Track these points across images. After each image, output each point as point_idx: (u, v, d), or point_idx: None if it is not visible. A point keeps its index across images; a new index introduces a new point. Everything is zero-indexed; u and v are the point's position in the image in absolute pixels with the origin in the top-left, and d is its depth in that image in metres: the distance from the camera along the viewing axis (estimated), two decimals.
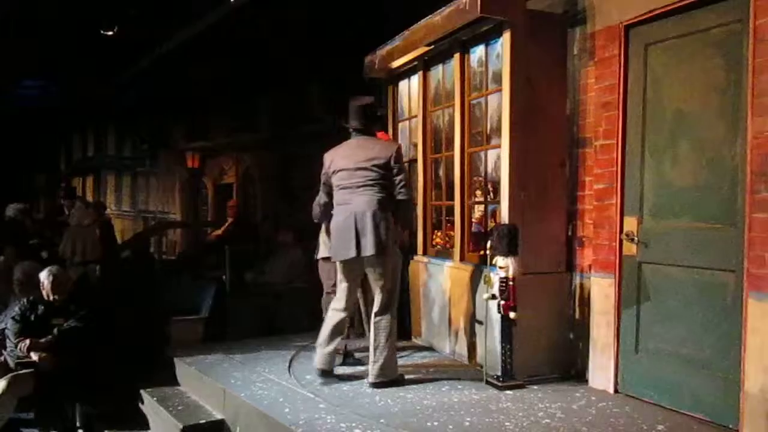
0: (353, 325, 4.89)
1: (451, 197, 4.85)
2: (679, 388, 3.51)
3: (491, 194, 4.55)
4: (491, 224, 4.42)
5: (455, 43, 4.68)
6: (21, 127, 18.58)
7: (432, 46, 4.82)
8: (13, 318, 4.76)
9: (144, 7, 8.92)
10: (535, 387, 3.97)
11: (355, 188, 4.01)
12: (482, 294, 4.11)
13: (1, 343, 4.84)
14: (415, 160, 5.30)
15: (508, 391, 3.90)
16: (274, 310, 6.55)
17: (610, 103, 3.89)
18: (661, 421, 3.39)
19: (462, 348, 4.66)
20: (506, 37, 4.07)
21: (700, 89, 3.46)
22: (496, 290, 3.90)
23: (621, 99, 3.82)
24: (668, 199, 3.63)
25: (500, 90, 4.21)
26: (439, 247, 5.13)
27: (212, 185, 14.92)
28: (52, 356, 4.62)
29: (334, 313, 4.21)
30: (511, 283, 3.86)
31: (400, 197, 4.04)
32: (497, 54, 4.35)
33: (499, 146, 4.26)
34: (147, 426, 4.69)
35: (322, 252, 4.65)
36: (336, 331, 4.17)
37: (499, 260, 3.90)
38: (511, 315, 3.87)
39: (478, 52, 4.61)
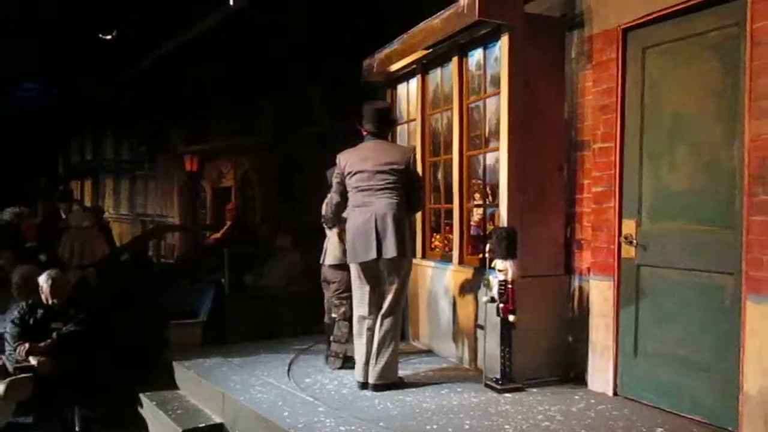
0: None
1: (449, 200, 4.86)
2: (678, 391, 3.52)
3: (490, 197, 4.56)
4: (490, 227, 4.42)
5: (454, 46, 4.69)
6: (21, 130, 18.53)
7: (430, 50, 4.82)
8: (12, 322, 4.75)
9: (143, 10, 8.91)
10: (535, 390, 3.97)
11: (374, 191, 4.01)
12: (481, 297, 4.12)
13: None
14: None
15: (507, 394, 3.90)
16: (273, 314, 6.54)
17: (608, 106, 3.89)
18: (660, 424, 3.39)
19: (461, 351, 4.66)
20: (504, 41, 4.09)
21: (697, 92, 3.47)
22: (495, 293, 3.89)
23: (619, 102, 3.83)
24: (666, 202, 3.63)
25: (499, 93, 4.22)
26: (438, 250, 5.14)
27: (211, 188, 14.89)
28: (51, 360, 4.61)
29: (361, 322, 4.08)
30: (510, 286, 3.86)
31: (417, 203, 4.20)
32: (495, 57, 4.36)
33: (497, 149, 4.27)
34: (146, 429, 4.69)
35: (332, 258, 4.60)
36: (381, 343, 4.01)
37: (498, 263, 3.90)
38: (510, 318, 3.86)
39: (476, 55, 4.62)
